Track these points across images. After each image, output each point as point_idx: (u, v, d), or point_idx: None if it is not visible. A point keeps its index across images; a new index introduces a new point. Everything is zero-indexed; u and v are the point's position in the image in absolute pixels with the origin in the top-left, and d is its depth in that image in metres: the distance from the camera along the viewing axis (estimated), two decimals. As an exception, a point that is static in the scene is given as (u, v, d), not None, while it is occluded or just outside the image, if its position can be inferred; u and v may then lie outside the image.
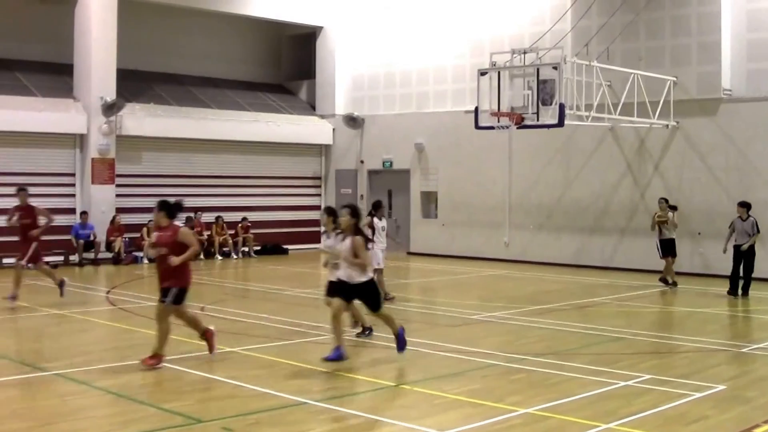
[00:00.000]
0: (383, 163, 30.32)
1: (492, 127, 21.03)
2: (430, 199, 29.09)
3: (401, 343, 11.77)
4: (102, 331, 14.73)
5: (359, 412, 9.12)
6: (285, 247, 29.45)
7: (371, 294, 11.61)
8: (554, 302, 17.91)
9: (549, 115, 19.87)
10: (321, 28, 31.45)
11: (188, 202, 27.68)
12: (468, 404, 9.49)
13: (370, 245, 12.47)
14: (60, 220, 25.18)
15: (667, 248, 20.28)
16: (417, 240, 28.67)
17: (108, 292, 19.33)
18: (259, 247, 28.77)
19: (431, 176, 28.96)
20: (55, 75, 26.44)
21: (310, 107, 32.21)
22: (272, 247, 29.07)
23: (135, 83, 27.48)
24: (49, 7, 26.50)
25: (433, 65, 28.93)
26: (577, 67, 20.83)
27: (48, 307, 16.40)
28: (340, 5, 31.21)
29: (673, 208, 20.60)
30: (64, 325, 14.83)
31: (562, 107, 19.65)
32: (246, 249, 28.29)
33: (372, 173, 30.82)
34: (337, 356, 11.13)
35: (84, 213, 25.26)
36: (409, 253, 28.56)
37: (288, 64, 33.53)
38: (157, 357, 10.94)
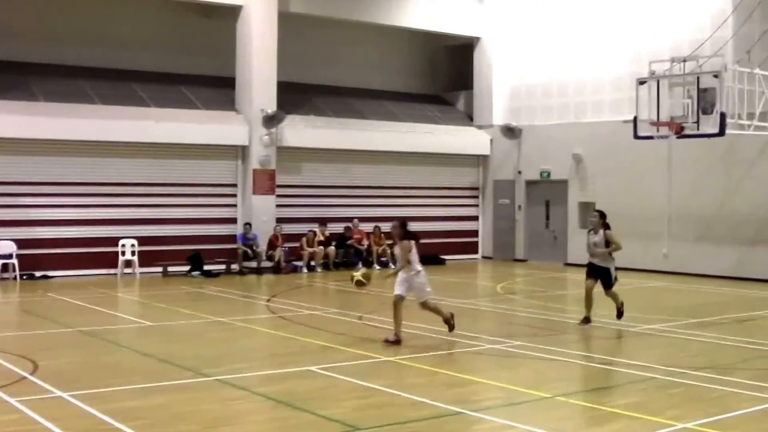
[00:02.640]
0: (541, 173, 29.88)
1: (651, 137, 20.54)
2: (587, 209, 28.48)
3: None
4: (262, 338, 14.90)
5: (515, 422, 8.87)
6: (442, 257, 29.33)
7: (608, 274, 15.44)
8: (714, 315, 17.27)
9: (709, 125, 19.31)
10: (478, 39, 31.26)
11: (346, 213, 28.37)
12: (625, 417, 9.14)
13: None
14: (222, 229, 25.96)
15: None
16: (574, 251, 28.06)
17: (268, 301, 19.61)
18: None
19: (589, 186, 28.38)
20: (218, 88, 27.10)
21: (468, 118, 32.05)
22: (430, 257, 29.00)
23: (294, 95, 27.87)
24: (212, 21, 27.23)
25: (591, 75, 28.37)
26: (739, 74, 20.11)
27: (210, 315, 16.74)
28: (497, 17, 30.97)
29: None
30: (226, 332, 15.08)
31: (723, 116, 18.99)
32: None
33: (529, 184, 30.41)
34: None
35: (247, 224, 25.77)
36: (567, 264, 28.03)
37: (445, 74, 33.48)
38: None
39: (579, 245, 28.06)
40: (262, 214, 26.27)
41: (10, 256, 22.93)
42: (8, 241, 23.01)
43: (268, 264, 25.89)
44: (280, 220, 26.59)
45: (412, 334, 14.09)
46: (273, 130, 26.34)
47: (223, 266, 25.46)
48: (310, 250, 26.31)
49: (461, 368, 11.57)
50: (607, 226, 15.38)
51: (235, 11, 26.44)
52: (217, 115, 26.26)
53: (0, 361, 11.89)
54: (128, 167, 24.95)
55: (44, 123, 23.43)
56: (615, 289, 15.52)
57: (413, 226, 14.85)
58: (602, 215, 15.53)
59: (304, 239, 26.26)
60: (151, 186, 25.22)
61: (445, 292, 19.39)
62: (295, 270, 26.19)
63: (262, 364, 12.15)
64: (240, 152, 26.52)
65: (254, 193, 26.20)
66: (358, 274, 14.21)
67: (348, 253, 27.37)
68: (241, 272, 25.45)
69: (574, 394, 10.29)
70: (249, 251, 25.52)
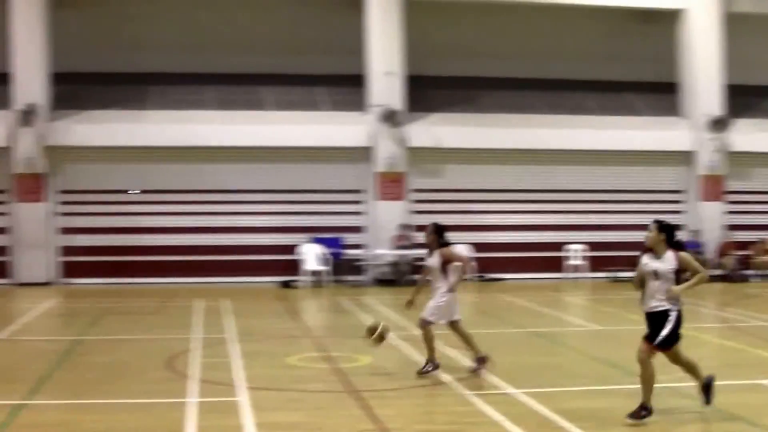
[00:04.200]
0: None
1: None
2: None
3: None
4: (711, 348, 14.38)
5: None
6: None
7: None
8: None
9: None
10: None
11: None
12: None
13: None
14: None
15: None
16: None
17: (721, 309, 18.94)
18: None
19: None
20: (658, 94, 26.67)
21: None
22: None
23: (743, 99, 26.65)
24: (650, 26, 26.82)
25: None
26: None
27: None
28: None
29: None
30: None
31: None
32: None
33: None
34: None
35: (695, 231, 25.07)
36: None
37: None
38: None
39: None
40: (710, 220, 25.44)
41: (466, 259, 24.44)
42: (464, 245, 24.44)
43: (716, 272, 24.97)
44: (730, 228, 25.57)
45: None
46: (720, 134, 25.40)
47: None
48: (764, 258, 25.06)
49: None
50: None
51: (676, 15, 25.87)
52: (659, 121, 25.86)
53: (458, 356, 12.54)
54: (574, 175, 25.53)
55: (488, 133, 24.94)
56: None
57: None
58: None
59: (756, 247, 25.07)
60: (597, 193, 25.59)
61: None
62: (745, 279, 25.01)
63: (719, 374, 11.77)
64: (686, 158, 25.88)
65: (703, 199, 25.52)
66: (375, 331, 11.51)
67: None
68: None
69: None
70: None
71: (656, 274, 9.08)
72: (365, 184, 25.41)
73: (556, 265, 25.25)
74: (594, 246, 25.29)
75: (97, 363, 12.47)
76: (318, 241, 24.44)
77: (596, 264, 25.12)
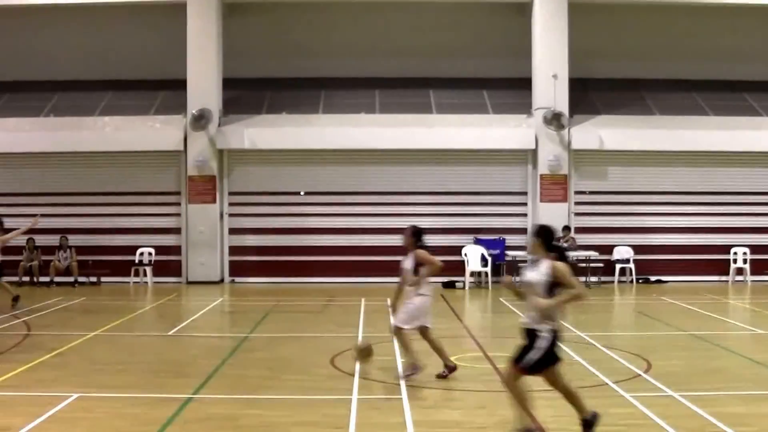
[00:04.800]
0: None
1: None
2: None
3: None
4: None
5: None
6: None
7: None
8: None
9: None
10: None
11: None
12: None
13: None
14: None
15: None
16: None
17: None
18: None
19: None
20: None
21: None
22: None
23: None
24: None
25: None
26: None
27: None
28: None
29: None
30: None
31: None
32: None
33: None
34: None
35: None
36: None
37: None
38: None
39: None
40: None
41: (627, 261, 24.25)
42: (626, 247, 24.40)
43: None
44: None
45: None
46: None
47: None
48: None
49: None
50: None
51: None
52: None
53: (617, 358, 12.58)
54: (736, 176, 25.11)
55: (651, 135, 24.76)
56: None
57: None
58: None
59: None
60: (761, 195, 24.88)
61: None
62: None
63: None
64: None
65: None
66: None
67: None
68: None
69: None
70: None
71: (531, 285, 8.13)
72: (528, 186, 25.30)
73: (718, 267, 24.85)
74: (758, 249, 24.81)
75: (262, 359, 12.86)
76: (480, 242, 24.47)
77: (758, 267, 24.59)
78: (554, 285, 8.00)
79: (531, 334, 8.07)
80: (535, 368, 8.09)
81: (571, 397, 8.30)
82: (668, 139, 24.67)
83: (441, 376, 11.23)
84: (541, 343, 8.01)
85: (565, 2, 24.75)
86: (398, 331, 11.41)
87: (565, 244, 23.67)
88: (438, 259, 11.38)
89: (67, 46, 27.04)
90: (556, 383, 8.28)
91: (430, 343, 11.45)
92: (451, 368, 11.35)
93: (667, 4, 25.72)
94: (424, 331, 11.47)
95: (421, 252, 11.46)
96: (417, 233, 11.71)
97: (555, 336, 8.04)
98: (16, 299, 18.93)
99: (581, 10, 24.87)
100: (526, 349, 8.09)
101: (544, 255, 8.09)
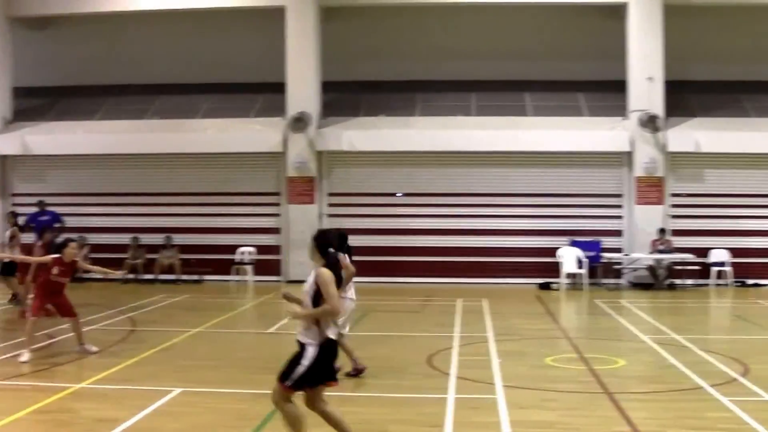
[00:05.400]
0: None
1: None
2: None
3: None
4: None
5: None
6: None
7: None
8: None
9: None
10: None
11: None
12: None
13: None
14: None
15: None
16: None
17: None
18: None
19: None
20: None
21: None
22: None
23: None
24: None
25: None
26: None
27: None
28: None
29: None
30: None
31: None
32: None
33: None
34: None
35: None
36: None
37: None
38: None
39: None
40: None
41: (723, 264, 24.00)
42: (722, 250, 24.05)
43: None
44: None
45: None
46: None
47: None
48: None
49: None
50: None
51: None
52: None
53: (714, 361, 12.53)
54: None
55: (749, 137, 24.48)
56: None
57: None
58: None
59: None
60: None
61: None
62: None
63: None
64: None
65: None
66: None
67: None
68: None
69: None
70: None
71: (304, 294, 7.61)
72: (624, 189, 25.21)
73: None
74: None
75: (360, 358, 13.03)
76: (576, 244, 24.48)
77: None
78: (320, 294, 7.54)
79: (301, 347, 7.61)
80: (300, 383, 7.60)
81: (335, 423, 7.81)
82: (765, 141, 24.31)
83: (349, 373, 11.45)
84: (306, 357, 7.54)
85: (660, 4, 24.55)
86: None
87: (661, 246, 23.60)
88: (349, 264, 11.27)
89: (170, 50, 27.90)
90: (315, 405, 7.78)
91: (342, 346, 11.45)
92: (359, 370, 11.62)
93: (763, 5, 25.26)
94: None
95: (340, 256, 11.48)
96: (340, 237, 11.34)
97: (323, 350, 7.56)
98: (15, 296, 18.97)
99: (676, 12, 24.64)
100: (292, 364, 7.62)
101: (318, 261, 7.73)
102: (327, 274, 7.48)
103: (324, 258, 7.68)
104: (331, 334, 7.56)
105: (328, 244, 7.79)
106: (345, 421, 7.86)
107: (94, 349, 13.33)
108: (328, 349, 7.57)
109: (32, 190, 26.67)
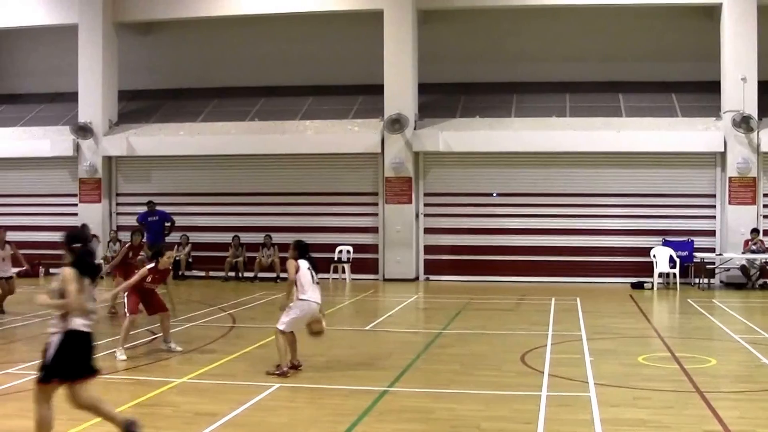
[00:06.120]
0: None
1: None
2: None
3: None
4: None
5: None
6: None
7: None
8: None
9: None
10: None
11: None
12: None
13: None
14: None
15: None
16: None
17: None
18: None
19: None
20: None
21: None
22: None
23: None
24: None
25: None
26: None
27: None
28: None
29: None
30: None
31: None
32: None
33: None
34: None
35: None
36: None
37: None
38: None
39: None
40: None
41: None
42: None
43: None
44: None
45: None
46: None
47: None
48: None
49: None
50: None
51: None
52: None
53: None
54: None
55: None
56: None
57: None
58: None
59: None
60: None
61: None
62: None
63: None
64: None
65: None
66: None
67: None
68: None
69: None
70: None
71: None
72: (717, 189, 25.20)
73: None
74: None
75: (455, 355, 13.29)
76: (669, 244, 24.58)
77: None
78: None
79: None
80: (48, 375, 7.61)
81: (105, 414, 7.91)
82: None
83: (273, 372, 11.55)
84: (51, 346, 7.65)
85: (754, 4, 24.45)
86: (280, 333, 11.69)
87: (754, 246, 23.53)
88: (293, 274, 11.61)
89: (271, 53, 28.78)
90: (78, 399, 7.74)
91: (290, 344, 11.84)
92: (295, 366, 11.78)
93: None
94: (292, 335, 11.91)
95: (290, 261, 11.83)
96: (300, 247, 12.01)
97: (68, 339, 7.65)
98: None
99: (771, 12, 24.54)
100: (43, 357, 7.72)
101: (65, 259, 7.92)
102: (67, 272, 7.71)
103: (71, 254, 7.91)
104: (80, 327, 7.72)
105: (75, 241, 8.00)
106: (113, 411, 8.05)
107: (179, 348, 13.50)
108: (74, 339, 7.66)
109: (136, 190, 27.92)
